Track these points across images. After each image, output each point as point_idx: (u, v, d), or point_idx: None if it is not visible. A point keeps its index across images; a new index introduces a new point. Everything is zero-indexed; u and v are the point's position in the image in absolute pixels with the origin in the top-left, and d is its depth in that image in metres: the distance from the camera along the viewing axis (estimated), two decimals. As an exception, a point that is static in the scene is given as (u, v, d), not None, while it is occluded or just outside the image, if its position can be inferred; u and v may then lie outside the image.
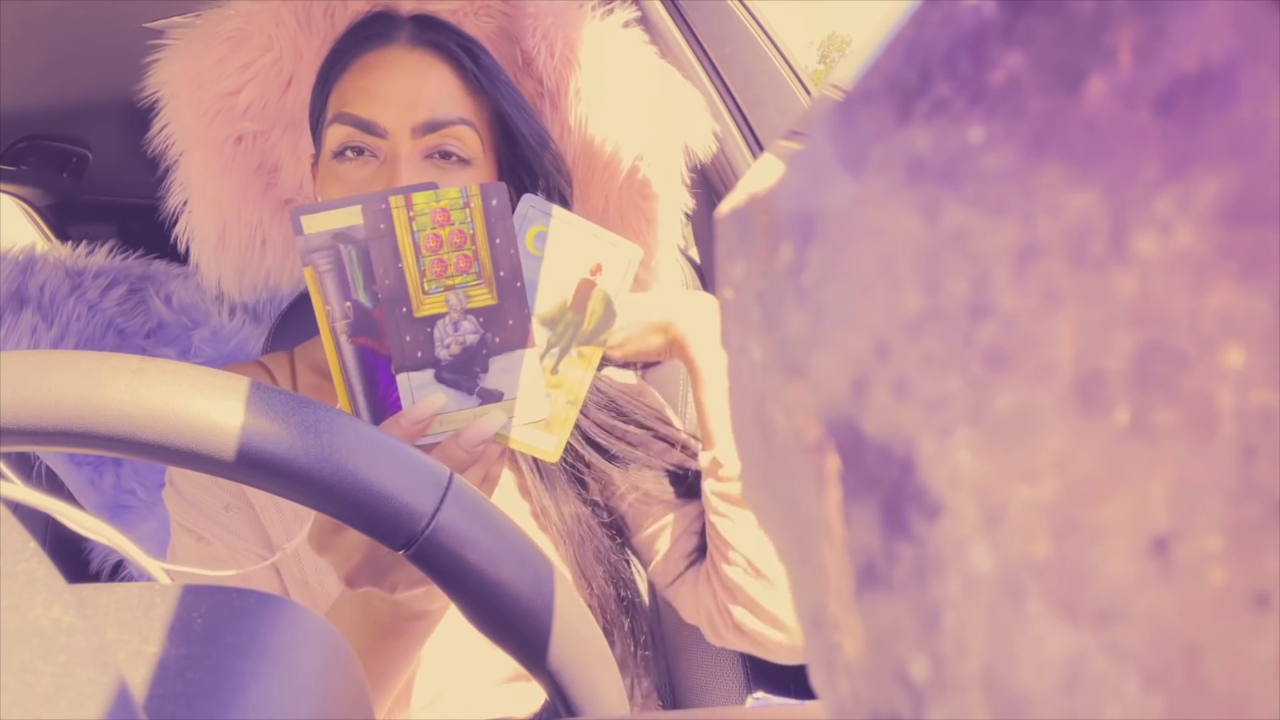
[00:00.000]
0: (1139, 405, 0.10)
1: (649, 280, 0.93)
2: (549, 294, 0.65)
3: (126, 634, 0.25)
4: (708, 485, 0.79)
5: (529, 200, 0.65)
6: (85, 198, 1.70)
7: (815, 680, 0.16)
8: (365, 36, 0.77)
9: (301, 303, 1.26)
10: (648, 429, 0.86)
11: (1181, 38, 0.10)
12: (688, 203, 0.91)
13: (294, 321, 1.26)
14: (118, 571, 1.28)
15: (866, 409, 0.13)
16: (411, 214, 0.60)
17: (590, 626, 0.44)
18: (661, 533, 0.85)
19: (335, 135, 0.75)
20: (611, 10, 0.88)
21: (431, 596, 0.58)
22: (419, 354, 0.61)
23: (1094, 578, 0.11)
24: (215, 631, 0.26)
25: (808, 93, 1.16)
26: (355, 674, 0.29)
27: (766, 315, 0.15)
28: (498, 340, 0.62)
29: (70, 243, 1.42)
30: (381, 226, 0.60)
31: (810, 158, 0.14)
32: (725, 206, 0.17)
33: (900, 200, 0.13)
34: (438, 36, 0.77)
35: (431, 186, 0.61)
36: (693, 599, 0.84)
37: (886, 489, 0.13)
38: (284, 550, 0.59)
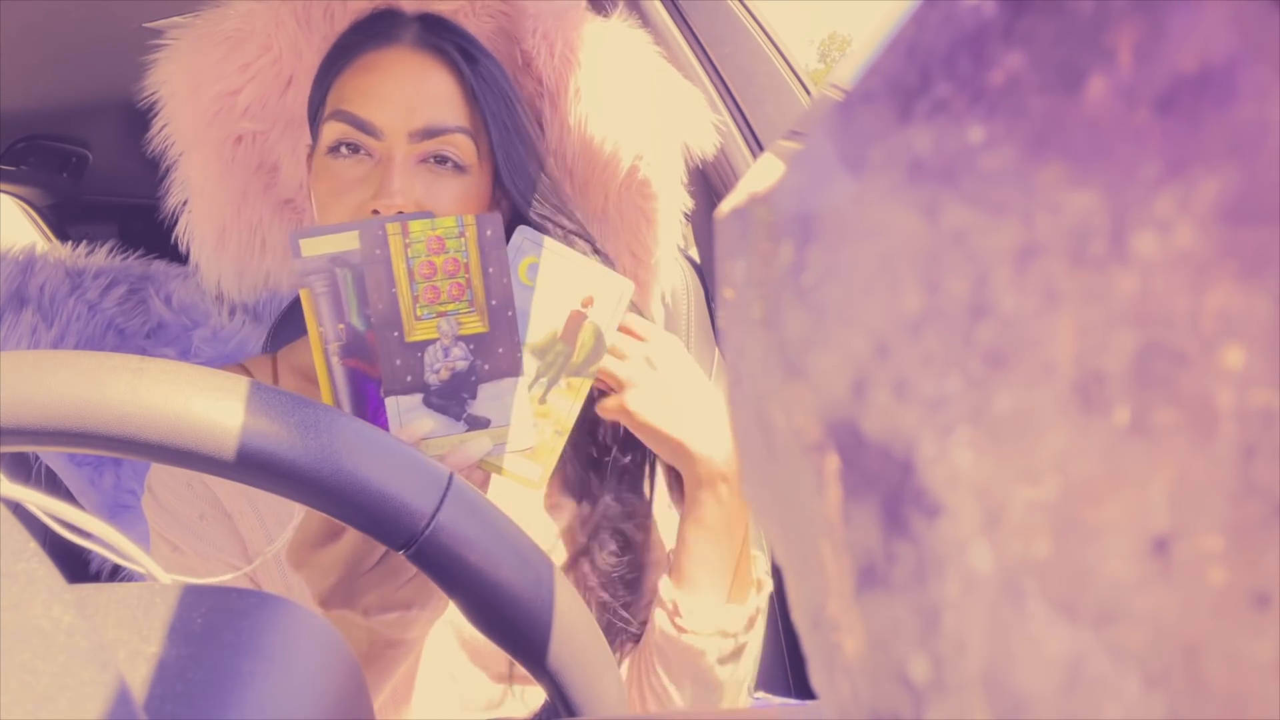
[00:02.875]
0: (1139, 405, 0.10)
1: (649, 280, 0.93)
2: (540, 324, 0.67)
3: (126, 634, 0.25)
4: (659, 618, 0.78)
5: (523, 232, 0.67)
6: (85, 198, 1.70)
7: (815, 680, 0.16)
8: (370, 35, 0.77)
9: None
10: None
11: (1181, 38, 0.10)
12: (687, 203, 0.91)
13: (294, 321, 1.26)
14: (118, 572, 1.28)
15: (866, 409, 0.13)
16: (407, 241, 0.62)
17: (590, 626, 0.44)
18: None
19: (331, 131, 0.75)
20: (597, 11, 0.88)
21: (405, 625, 0.57)
22: (408, 378, 0.62)
23: (1094, 578, 0.11)
24: (215, 631, 0.26)
25: (808, 93, 1.16)
26: (355, 674, 0.29)
27: (766, 315, 0.15)
28: (487, 368, 0.63)
29: (70, 243, 1.42)
30: (377, 252, 0.61)
31: (810, 157, 0.14)
32: (725, 206, 0.17)
33: (900, 200, 0.13)
34: (441, 40, 0.76)
35: (428, 215, 0.62)
36: None
37: (886, 489, 0.13)
38: (265, 555, 0.58)
